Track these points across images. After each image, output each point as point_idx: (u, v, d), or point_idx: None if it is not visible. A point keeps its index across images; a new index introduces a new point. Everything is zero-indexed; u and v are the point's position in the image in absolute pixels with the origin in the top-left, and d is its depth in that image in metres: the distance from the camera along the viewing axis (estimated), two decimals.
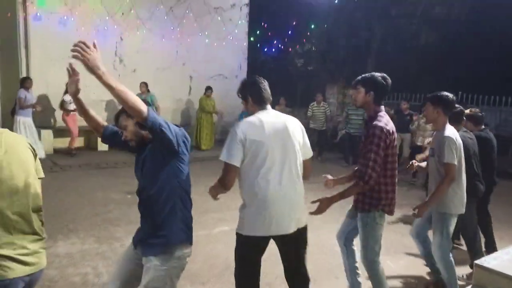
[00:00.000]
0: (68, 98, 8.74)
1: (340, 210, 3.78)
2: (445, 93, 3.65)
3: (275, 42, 15.74)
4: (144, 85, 10.24)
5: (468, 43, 12.97)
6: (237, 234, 2.79)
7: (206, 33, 11.92)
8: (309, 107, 10.89)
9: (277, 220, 2.67)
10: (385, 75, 3.23)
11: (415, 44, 13.36)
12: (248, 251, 2.80)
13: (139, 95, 9.80)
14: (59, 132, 9.63)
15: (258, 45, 15.63)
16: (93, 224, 5.28)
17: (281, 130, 2.71)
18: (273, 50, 16.27)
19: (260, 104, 2.81)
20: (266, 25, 14.97)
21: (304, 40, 15.97)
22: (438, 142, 3.60)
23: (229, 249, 4.70)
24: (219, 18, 12.21)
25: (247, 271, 2.85)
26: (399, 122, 8.44)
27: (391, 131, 3.04)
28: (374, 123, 3.02)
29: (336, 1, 12.68)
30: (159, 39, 11.31)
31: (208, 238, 5.00)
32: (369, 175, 2.95)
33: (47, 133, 9.48)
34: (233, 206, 6.10)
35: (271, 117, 2.75)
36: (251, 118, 2.75)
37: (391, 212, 3.19)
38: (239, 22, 12.79)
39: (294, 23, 14.30)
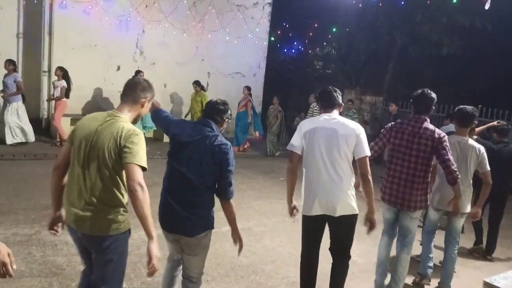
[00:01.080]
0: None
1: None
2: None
3: (295, 43, 15.69)
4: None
5: (491, 55, 12.75)
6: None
7: (227, 30, 11.94)
8: (310, 107, 10.55)
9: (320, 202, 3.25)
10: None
11: (436, 53, 13.15)
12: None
13: None
14: (76, 121, 9.75)
15: (278, 45, 15.60)
16: None
17: (330, 130, 3.20)
18: (293, 51, 16.21)
19: (324, 108, 3.35)
20: (287, 25, 14.92)
21: (324, 43, 15.87)
22: (467, 150, 4.06)
23: (236, 248, 4.72)
24: (241, 15, 12.22)
25: (305, 243, 3.54)
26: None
27: None
28: (438, 131, 3.61)
29: (360, 5, 12.55)
30: (180, 34, 11.36)
31: (216, 236, 4.98)
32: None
33: (65, 121, 9.56)
34: (243, 204, 6.12)
35: (327, 119, 3.27)
36: (313, 117, 3.62)
37: None
38: (261, 20, 12.77)
39: (315, 25, 14.23)
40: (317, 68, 17.33)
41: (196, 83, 10.51)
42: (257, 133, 10.90)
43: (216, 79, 11.90)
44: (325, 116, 3.28)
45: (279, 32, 14.64)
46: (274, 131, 10.77)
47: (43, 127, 9.89)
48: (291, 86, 15.64)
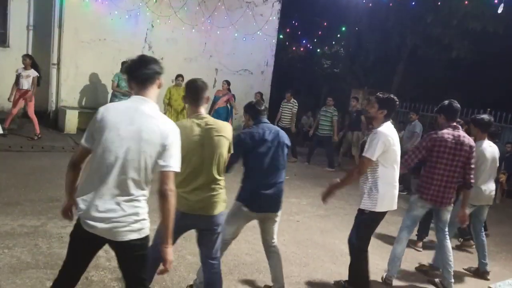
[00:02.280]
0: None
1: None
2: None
3: (304, 41, 15.65)
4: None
5: (502, 60, 12.63)
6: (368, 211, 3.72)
7: (236, 27, 11.92)
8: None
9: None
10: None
11: (446, 56, 13.05)
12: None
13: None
14: (84, 114, 9.79)
15: (287, 43, 15.57)
16: None
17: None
18: (301, 49, 16.18)
19: (389, 116, 3.72)
20: (296, 23, 14.89)
21: (333, 42, 15.82)
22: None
23: (240, 246, 4.75)
24: (250, 12, 12.19)
25: (368, 237, 3.87)
26: (352, 121, 10.21)
27: None
28: (470, 138, 4.21)
29: (370, 5, 12.49)
30: (189, 29, 11.36)
31: None
32: None
33: (72, 114, 9.63)
34: None
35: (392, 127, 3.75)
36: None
37: None
38: (270, 18, 12.73)
39: (325, 24, 14.18)
40: (325, 67, 17.30)
41: (182, 77, 9.56)
42: None
43: (224, 76, 11.89)
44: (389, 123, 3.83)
45: (288, 30, 14.62)
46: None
47: (51, 119, 9.95)
48: (299, 84, 15.62)
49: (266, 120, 3.54)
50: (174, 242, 2.71)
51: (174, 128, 2.36)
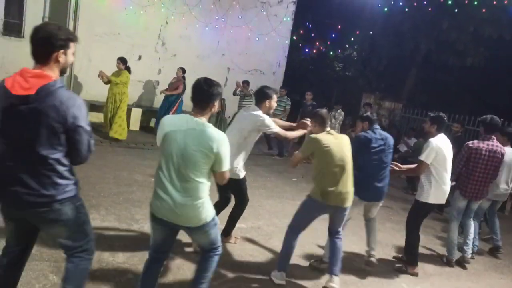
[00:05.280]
0: None
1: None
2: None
3: (317, 43, 15.58)
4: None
5: None
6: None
7: (250, 26, 11.91)
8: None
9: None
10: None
11: (460, 63, 12.90)
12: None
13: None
14: (93, 107, 9.84)
15: (300, 44, 15.51)
16: (115, 203, 5.35)
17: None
18: (314, 51, 16.11)
19: (440, 129, 4.64)
20: (310, 25, 14.83)
21: (347, 45, 15.72)
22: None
23: (243, 247, 4.72)
24: (264, 12, 12.17)
25: (420, 221, 4.79)
26: (302, 113, 10.26)
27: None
28: (502, 147, 5.12)
29: (385, 9, 12.39)
30: (202, 27, 11.37)
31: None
32: None
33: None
34: (253, 203, 6.08)
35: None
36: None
37: None
38: (284, 19, 12.70)
39: (339, 27, 14.10)
40: (337, 70, 17.20)
41: (121, 60, 8.84)
42: None
43: (236, 75, 11.89)
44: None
45: (301, 31, 14.56)
46: None
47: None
48: (310, 86, 15.55)
49: (378, 126, 4.53)
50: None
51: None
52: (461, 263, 5.27)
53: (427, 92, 14.31)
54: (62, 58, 2.30)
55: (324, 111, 4.02)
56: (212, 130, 2.69)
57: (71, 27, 9.85)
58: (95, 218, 4.77)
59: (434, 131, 4.65)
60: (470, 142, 5.16)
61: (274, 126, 4.27)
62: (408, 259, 4.83)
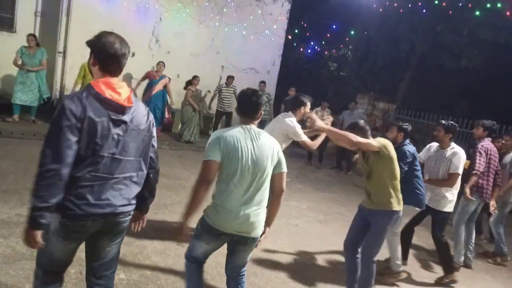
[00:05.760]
0: None
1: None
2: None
3: (311, 43, 15.58)
4: None
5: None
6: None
7: (245, 24, 11.84)
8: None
9: None
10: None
11: (455, 66, 12.95)
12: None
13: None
14: None
15: (295, 43, 15.49)
16: None
17: None
18: (309, 50, 16.11)
19: (452, 138, 4.70)
20: (305, 24, 14.80)
21: (342, 45, 15.73)
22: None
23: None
24: (259, 11, 12.11)
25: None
26: (285, 109, 10.32)
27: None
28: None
29: (380, 10, 12.40)
30: (197, 25, 11.29)
31: None
32: None
33: None
34: None
35: None
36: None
37: None
38: (279, 17, 12.65)
39: (334, 27, 14.10)
40: (331, 70, 17.21)
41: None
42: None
43: (230, 73, 11.80)
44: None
45: (296, 30, 14.53)
46: None
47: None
48: (305, 86, 15.55)
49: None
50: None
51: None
52: (468, 264, 5.41)
53: (422, 94, 14.37)
54: None
55: (361, 121, 3.91)
56: (268, 136, 2.86)
57: (63, 23, 9.74)
58: None
59: (448, 140, 4.65)
60: (485, 143, 5.21)
61: (303, 135, 4.50)
62: (446, 268, 4.78)
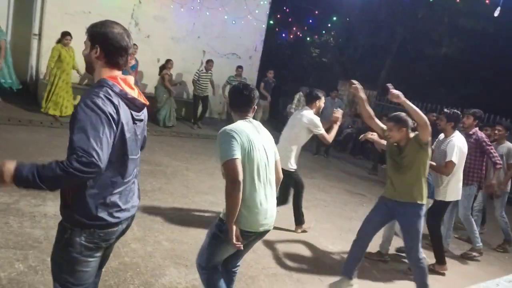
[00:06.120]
0: None
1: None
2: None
3: (294, 28, 15.47)
4: None
5: (489, 60, 12.71)
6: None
7: (226, 9, 11.67)
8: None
9: None
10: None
11: (434, 53, 13.09)
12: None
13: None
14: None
15: (277, 29, 15.35)
16: None
17: None
18: (291, 36, 16.00)
19: (456, 127, 4.72)
20: (287, 9, 14.67)
21: (324, 31, 15.68)
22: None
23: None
24: None
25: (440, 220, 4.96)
26: (265, 88, 11.17)
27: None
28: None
29: None
30: (177, 8, 11.08)
31: (199, 220, 4.94)
32: None
33: None
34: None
35: None
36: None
37: None
38: (261, 2, 12.50)
39: (316, 12, 14.02)
40: (313, 56, 17.16)
41: (70, 35, 8.37)
42: None
43: (211, 58, 11.66)
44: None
45: (278, 15, 14.39)
46: None
47: (30, 92, 9.61)
48: (287, 71, 15.48)
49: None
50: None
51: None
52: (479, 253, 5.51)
53: (402, 80, 14.49)
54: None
55: (403, 114, 3.89)
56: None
57: (38, 5, 9.43)
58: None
59: (450, 128, 4.66)
60: (481, 134, 5.29)
61: (321, 127, 4.75)
62: (437, 258, 4.78)
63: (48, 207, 4.46)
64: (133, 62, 9.36)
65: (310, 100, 4.89)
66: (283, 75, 14.68)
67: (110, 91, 1.92)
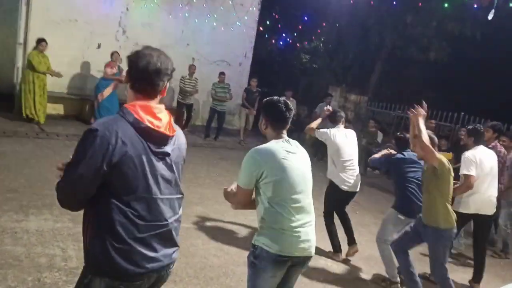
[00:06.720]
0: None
1: None
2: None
3: (283, 34, 15.43)
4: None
5: (477, 64, 12.78)
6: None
7: (215, 15, 11.58)
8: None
9: None
10: None
11: (423, 58, 13.13)
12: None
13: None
14: (51, 98, 9.29)
15: (266, 35, 15.30)
16: None
17: None
18: (281, 42, 15.97)
19: (478, 141, 4.79)
20: (277, 15, 14.64)
21: (313, 37, 15.67)
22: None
23: (207, 247, 4.55)
24: (230, 2, 11.82)
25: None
26: (248, 98, 10.91)
27: None
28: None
29: (351, 1, 12.36)
30: (165, 15, 10.97)
31: (188, 232, 4.80)
32: None
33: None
34: (218, 198, 5.87)
35: None
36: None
37: None
38: (250, 9, 12.41)
39: (305, 18, 13.99)
40: (303, 62, 17.14)
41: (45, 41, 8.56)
42: None
43: (201, 65, 11.56)
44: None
45: (267, 22, 14.35)
46: None
47: (16, 102, 9.40)
48: (277, 78, 15.43)
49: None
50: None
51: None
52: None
53: (392, 86, 14.53)
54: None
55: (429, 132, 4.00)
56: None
57: (23, 13, 9.26)
58: (48, 218, 4.48)
59: (471, 143, 4.76)
60: (501, 147, 5.47)
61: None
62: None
63: (31, 223, 4.31)
64: (115, 70, 9.25)
65: (337, 121, 5.13)
66: (273, 81, 14.61)
67: (118, 121, 1.78)
